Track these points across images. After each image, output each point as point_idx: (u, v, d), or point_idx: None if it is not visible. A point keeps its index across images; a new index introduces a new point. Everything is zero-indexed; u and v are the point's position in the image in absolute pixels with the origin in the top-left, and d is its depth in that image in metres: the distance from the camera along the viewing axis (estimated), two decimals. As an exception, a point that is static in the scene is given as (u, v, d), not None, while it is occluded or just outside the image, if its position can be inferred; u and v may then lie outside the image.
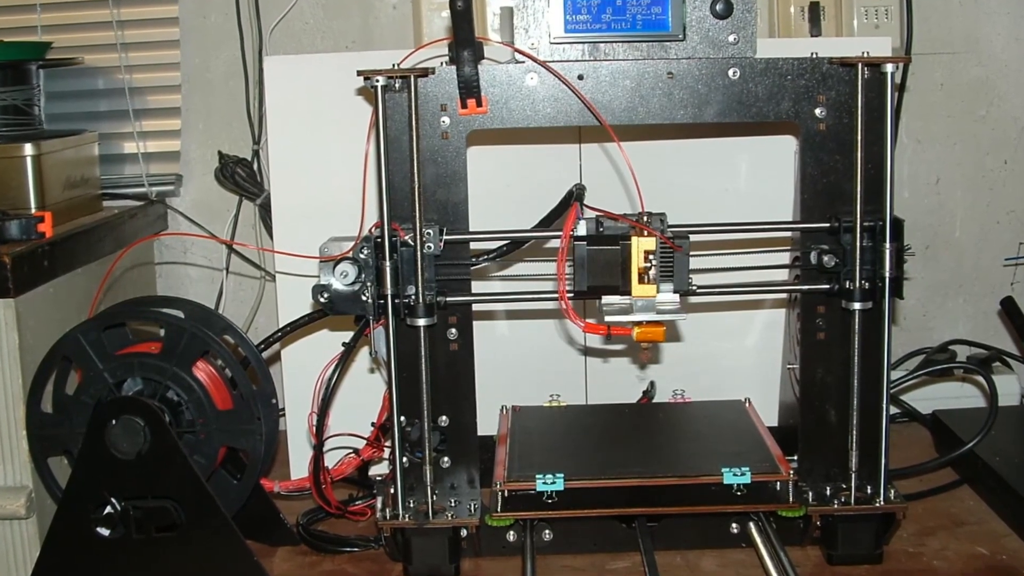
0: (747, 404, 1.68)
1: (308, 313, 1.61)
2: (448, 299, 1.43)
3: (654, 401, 1.76)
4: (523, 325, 1.80)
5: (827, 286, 1.44)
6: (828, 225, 1.43)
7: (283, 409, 1.73)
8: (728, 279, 1.51)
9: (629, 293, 1.37)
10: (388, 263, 1.39)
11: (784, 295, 1.73)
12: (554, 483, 1.42)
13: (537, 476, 1.43)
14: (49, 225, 1.64)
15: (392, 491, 1.44)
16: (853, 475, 1.44)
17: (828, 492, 1.46)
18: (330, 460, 1.57)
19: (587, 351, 1.82)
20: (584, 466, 1.47)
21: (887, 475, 1.44)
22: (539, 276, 1.52)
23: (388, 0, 2.02)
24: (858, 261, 1.40)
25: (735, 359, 1.81)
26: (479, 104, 1.41)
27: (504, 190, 1.74)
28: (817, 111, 1.42)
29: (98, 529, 1.40)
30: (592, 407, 1.76)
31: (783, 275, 1.61)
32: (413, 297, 1.40)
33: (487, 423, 1.59)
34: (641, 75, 1.42)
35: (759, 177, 1.75)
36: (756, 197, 1.75)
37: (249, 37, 2.01)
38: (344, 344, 1.51)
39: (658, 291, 1.37)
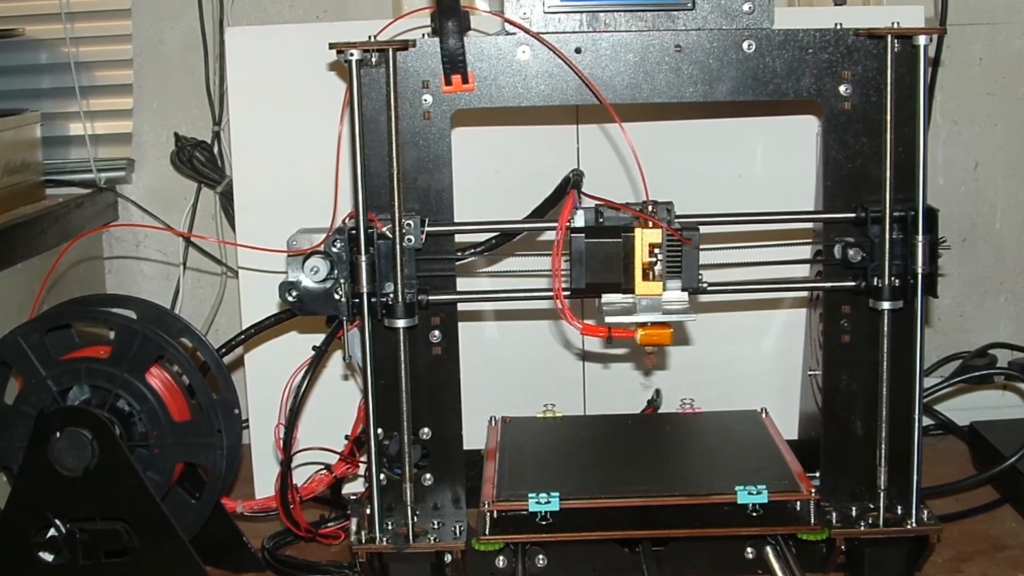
0: (763, 415, 1.69)
1: (275, 313, 1.61)
2: (430, 298, 1.43)
3: (660, 411, 1.76)
4: (514, 327, 1.80)
5: (853, 283, 1.45)
6: (854, 215, 1.44)
7: (247, 420, 1.73)
8: (742, 275, 1.51)
9: (632, 291, 1.38)
10: (364, 258, 1.38)
11: (805, 293, 1.73)
12: (548, 503, 1.42)
13: (530, 495, 1.43)
14: (-15, 215, 1.64)
15: (368, 512, 1.44)
16: (882, 494, 1.44)
17: (854, 513, 1.46)
18: (299, 477, 1.57)
19: (585, 356, 1.82)
20: (582, 484, 1.47)
21: (919, 494, 1.44)
22: (532, 272, 1.52)
23: (364, -36, 2.03)
24: (887, 255, 1.41)
25: (750, 365, 1.81)
26: (465, 80, 1.41)
27: (493, 176, 1.74)
28: (842, 88, 1.43)
29: (40, 554, 1.40)
30: (591, 418, 1.76)
31: (804, 271, 1.61)
32: (391, 295, 1.40)
33: (474, 436, 1.59)
34: (645, 48, 1.42)
35: (777, 162, 1.76)
36: (773, 184, 1.75)
37: (209, 6, 2.00)
38: (315, 348, 1.51)
39: (664, 289, 1.37)
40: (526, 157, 1.74)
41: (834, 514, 1.46)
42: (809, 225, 1.62)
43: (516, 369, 1.80)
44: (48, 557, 1.40)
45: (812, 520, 1.43)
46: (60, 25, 2.02)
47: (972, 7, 2.02)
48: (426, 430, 1.48)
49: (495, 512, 1.44)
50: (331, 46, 1.37)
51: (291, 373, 1.51)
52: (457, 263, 1.47)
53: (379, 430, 1.44)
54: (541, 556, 1.48)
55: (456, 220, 1.45)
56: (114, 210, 2.07)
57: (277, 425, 1.51)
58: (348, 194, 1.42)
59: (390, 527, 1.45)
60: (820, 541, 1.45)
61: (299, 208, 1.54)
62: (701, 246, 1.38)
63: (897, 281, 1.41)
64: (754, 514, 1.44)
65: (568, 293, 1.39)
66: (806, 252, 1.61)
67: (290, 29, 1.79)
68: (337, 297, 1.41)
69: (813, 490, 1.44)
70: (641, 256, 1.36)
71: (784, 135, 1.75)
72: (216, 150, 2.00)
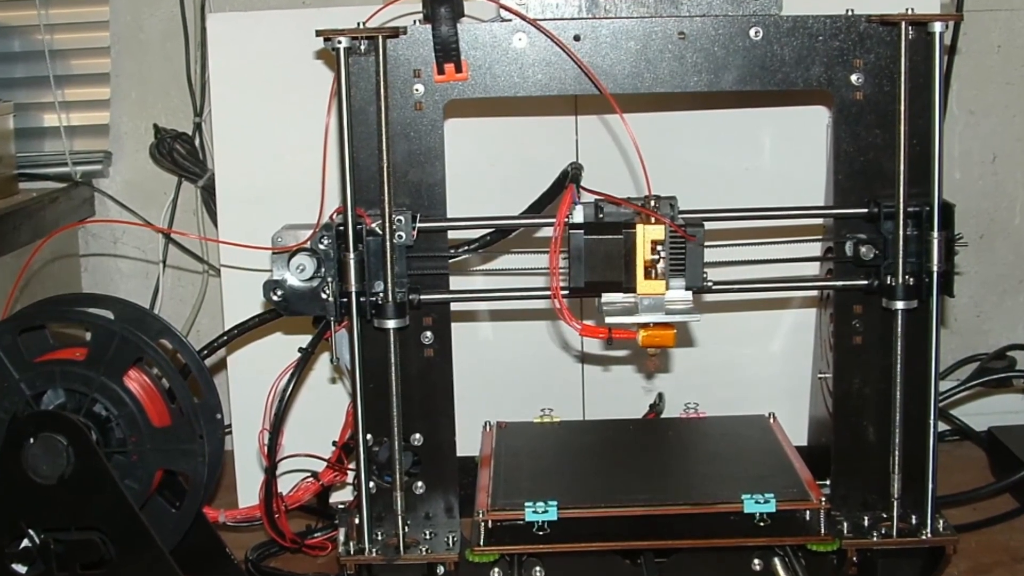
0: (771, 420, 1.69)
1: (259, 313, 1.61)
2: (422, 297, 1.43)
3: (663, 416, 1.76)
4: (510, 328, 1.80)
5: (865, 282, 1.45)
6: (866, 211, 1.44)
7: (229, 426, 1.73)
8: (749, 274, 1.51)
9: (634, 290, 1.37)
10: (352, 255, 1.38)
11: (815, 293, 1.73)
12: (546, 512, 1.42)
13: (526, 504, 1.42)
14: (-45, 211, 1.64)
15: (357, 521, 1.44)
16: (895, 503, 1.45)
17: (866, 522, 1.47)
18: (284, 485, 1.57)
19: (584, 358, 1.82)
20: (581, 492, 1.47)
21: (935, 502, 1.44)
22: (529, 271, 1.52)
23: (353, -53, 2.03)
24: (901, 253, 1.41)
25: (757, 367, 1.81)
26: (458, 69, 1.41)
27: (488, 170, 1.74)
28: (853, 78, 1.43)
29: (13, 566, 1.40)
30: (590, 423, 1.76)
31: (813, 269, 1.61)
32: (381, 295, 1.40)
33: (468, 442, 1.59)
34: (647, 35, 1.42)
35: (785, 155, 1.76)
36: (782, 178, 1.75)
37: (190, -10, 2.01)
38: (301, 350, 1.51)
39: (667, 288, 1.37)
40: (522, 150, 1.74)
41: (845, 524, 1.46)
42: (819, 221, 1.62)
43: (512, 372, 1.79)
44: (21, 569, 1.40)
45: (822, 530, 1.43)
46: (34, 11, 2.02)
47: (990, -8, 2.02)
48: (417, 436, 1.48)
49: (490, 522, 1.43)
50: (318, 33, 1.37)
51: (276, 376, 1.51)
52: (450, 261, 1.47)
53: (368, 436, 1.44)
54: (538, 568, 1.48)
55: (449, 216, 1.45)
56: (90, 205, 2.07)
57: (261, 431, 1.51)
58: (336, 189, 1.42)
59: (380, 537, 1.45)
60: (831, 552, 1.46)
61: (284, 203, 1.54)
62: (706, 243, 1.38)
63: (911, 280, 1.41)
64: (761, 524, 1.44)
65: (566, 292, 1.39)
66: (816, 249, 1.61)
67: (275, 15, 1.79)
68: (324, 296, 1.41)
69: (823, 499, 1.44)
70: (643, 253, 1.36)
71: (793, 127, 1.75)
72: (197, 142, 2.00)
